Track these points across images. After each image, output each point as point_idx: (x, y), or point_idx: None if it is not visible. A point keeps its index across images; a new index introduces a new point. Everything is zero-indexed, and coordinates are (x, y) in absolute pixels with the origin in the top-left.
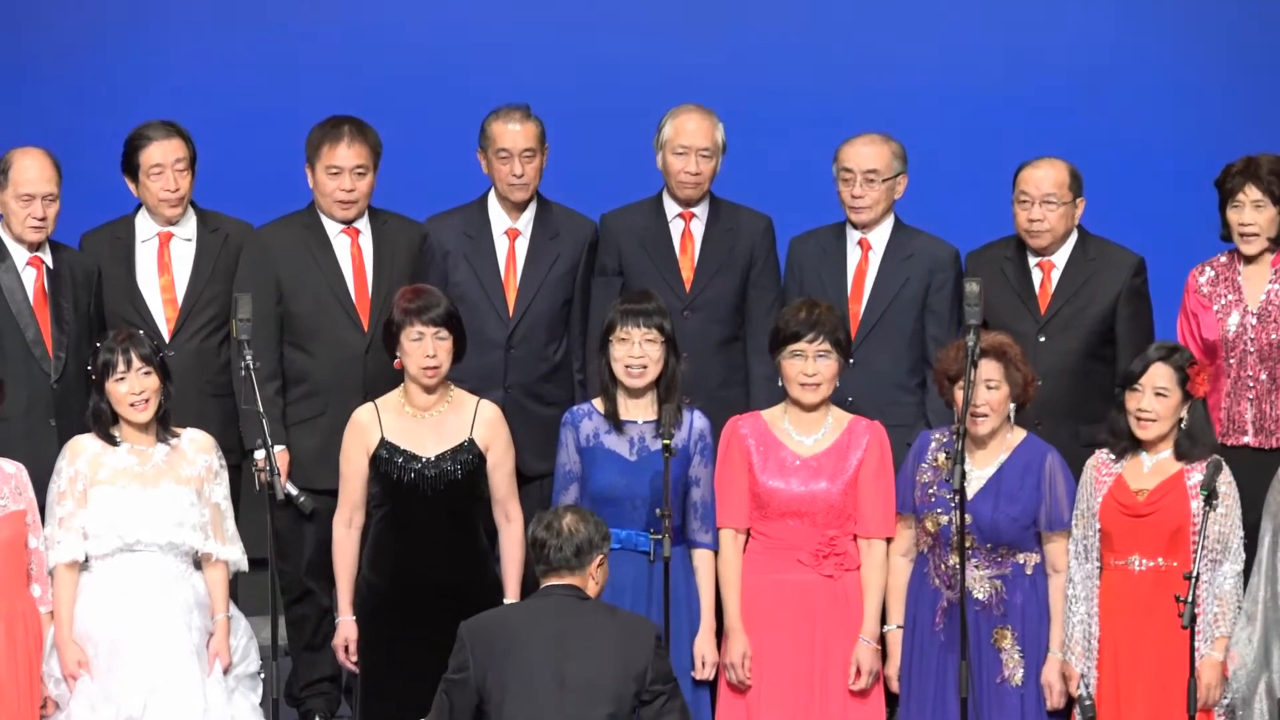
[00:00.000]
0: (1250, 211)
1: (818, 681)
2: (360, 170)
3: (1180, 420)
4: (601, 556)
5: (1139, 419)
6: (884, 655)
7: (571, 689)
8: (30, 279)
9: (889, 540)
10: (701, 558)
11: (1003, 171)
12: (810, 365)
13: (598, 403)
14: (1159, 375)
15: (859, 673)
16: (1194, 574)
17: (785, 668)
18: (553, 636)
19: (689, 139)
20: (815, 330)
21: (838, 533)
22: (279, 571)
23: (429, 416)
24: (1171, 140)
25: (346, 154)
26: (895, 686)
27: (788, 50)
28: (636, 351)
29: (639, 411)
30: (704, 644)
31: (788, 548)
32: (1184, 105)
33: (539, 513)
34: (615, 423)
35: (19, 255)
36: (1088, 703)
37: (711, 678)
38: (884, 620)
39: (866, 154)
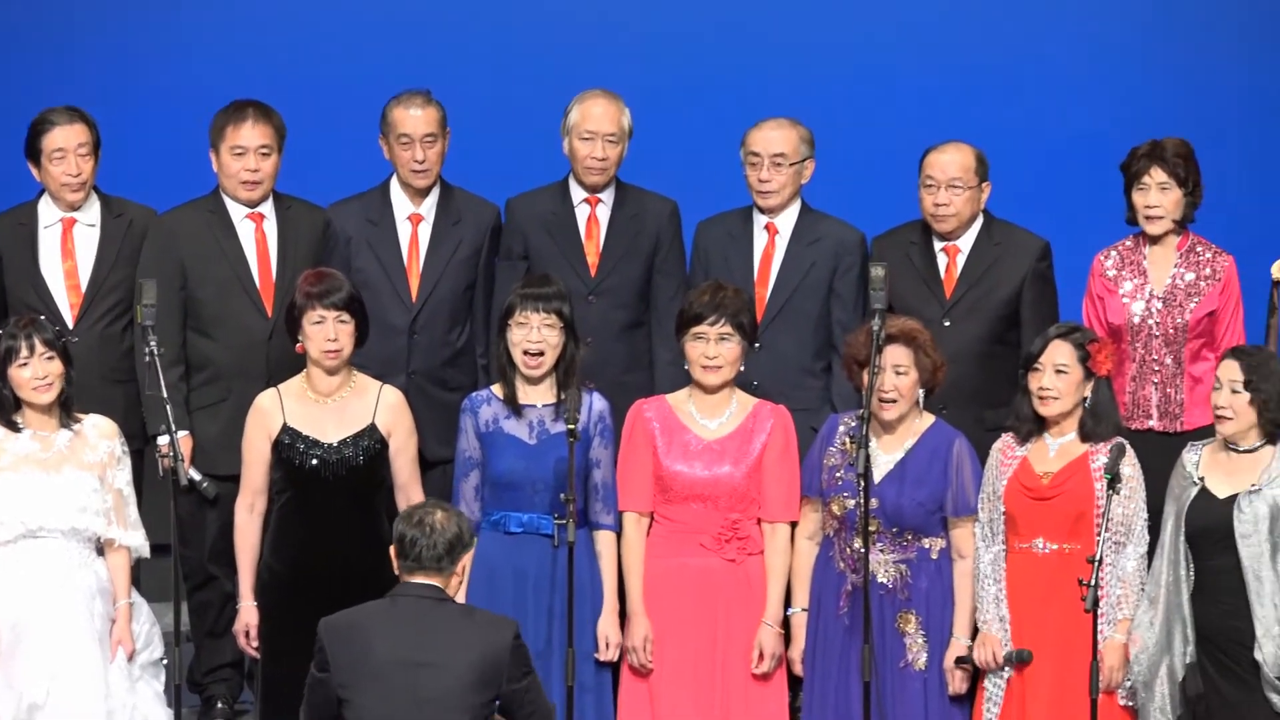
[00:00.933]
0: (1155, 194)
1: (720, 665)
2: (264, 150)
3: (1084, 400)
4: (468, 556)
5: (1040, 397)
6: (787, 639)
7: (426, 703)
8: None
9: (792, 524)
10: (603, 539)
11: (909, 156)
12: (712, 348)
13: (497, 388)
14: (1059, 352)
15: (761, 656)
16: (1097, 557)
17: (687, 651)
18: (408, 645)
19: (595, 124)
20: (718, 313)
21: (741, 516)
22: (181, 557)
23: (331, 402)
24: (1077, 124)
25: (251, 133)
26: (799, 670)
27: (696, 35)
28: (535, 336)
29: (538, 395)
30: (607, 625)
31: (691, 531)
32: (1089, 89)
33: (405, 509)
34: (514, 407)
35: None
36: (1015, 652)
37: (615, 659)
38: (788, 604)
39: (774, 138)
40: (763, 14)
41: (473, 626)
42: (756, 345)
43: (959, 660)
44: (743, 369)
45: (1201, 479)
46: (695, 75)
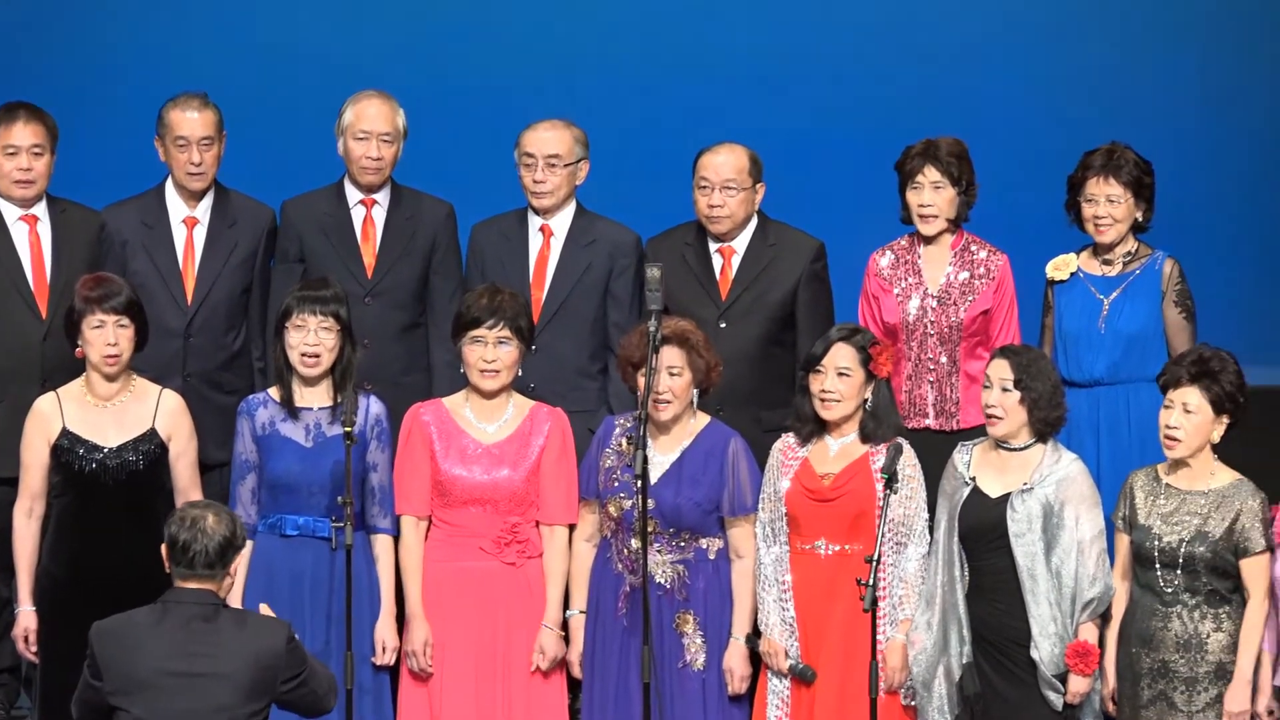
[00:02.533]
0: (929, 193)
1: (500, 669)
2: (37, 150)
3: (865, 401)
4: (240, 556)
5: (823, 400)
6: (567, 640)
7: (199, 713)
8: None
9: (571, 526)
10: (381, 543)
11: (683, 157)
12: (490, 352)
13: (273, 391)
14: (841, 355)
15: (542, 659)
16: (875, 557)
17: (467, 655)
18: (181, 656)
19: (370, 123)
20: (496, 317)
21: (520, 520)
22: None
23: (111, 406)
24: (851, 123)
25: (23, 132)
26: (578, 672)
27: (469, 36)
28: (312, 339)
29: (315, 398)
30: (384, 629)
31: (470, 535)
32: (863, 89)
33: (175, 511)
34: (291, 410)
35: None
36: (800, 667)
37: (392, 663)
38: (568, 605)
39: (548, 139)
40: (535, 15)
41: (246, 634)
42: (533, 348)
43: (748, 640)
44: (520, 373)
45: (973, 479)
46: (470, 76)
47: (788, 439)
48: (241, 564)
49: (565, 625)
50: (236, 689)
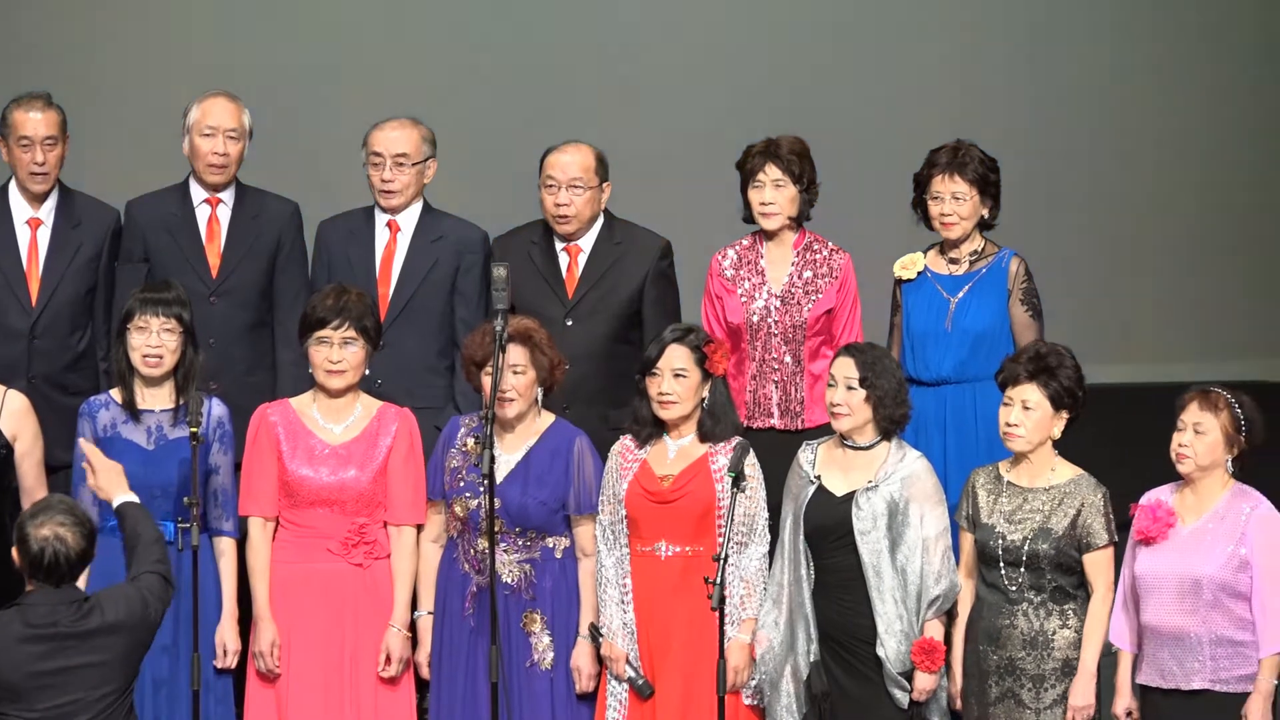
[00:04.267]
0: (770, 190)
1: (348, 670)
2: None
3: (702, 400)
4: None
5: (660, 402)
6: (414, 642)
7: (84, 705)
8: None
9: (419, 527)
10: (223, 545)
11: (533, 156)
12: (336, 352)
13: (115, 393)
14: (676, 357)
15: (389, 660)
16: (722, 555)
17: (315, 656)
18: (50, 655)
19: (216, 119)
20: (341, 317)
21: (368, 521)
22: None
23: None
24: (698, 123)
25: None
26: (426, 673)
27: (316, 36)
28: (154, 341)
29: (156, 400)
30: (226, 632)
31: (317, 536)
32: (707, 89)
33: (28, 526)
34: (133, 412)
35: None
36: (640, 681)
37: (234, 666)
38: (415, 606)
39: (396, 138)
40: (380, 14)
41: (107, 613)
42: (381, 345)
43: (592, 633)
44: (367, 373)
45: (818, 477)
46: (317, 76)
47: (625, 440)
48: None
49: (413, 626)
50: (113, 669)
